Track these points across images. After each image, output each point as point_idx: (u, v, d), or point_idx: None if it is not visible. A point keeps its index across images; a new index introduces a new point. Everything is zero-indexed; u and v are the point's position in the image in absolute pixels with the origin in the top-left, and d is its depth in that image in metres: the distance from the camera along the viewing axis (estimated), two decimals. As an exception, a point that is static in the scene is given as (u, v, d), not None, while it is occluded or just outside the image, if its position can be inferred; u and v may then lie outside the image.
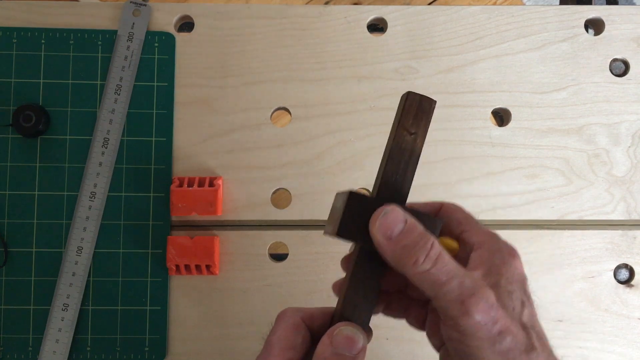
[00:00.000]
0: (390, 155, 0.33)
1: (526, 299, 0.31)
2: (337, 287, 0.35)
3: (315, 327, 0.33)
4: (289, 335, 0.32)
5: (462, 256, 0.33)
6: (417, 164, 0.34)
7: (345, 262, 0.36)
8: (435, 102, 0.34)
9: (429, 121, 0.34)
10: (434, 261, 0.30)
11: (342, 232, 0.32)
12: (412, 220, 0.31)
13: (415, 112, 0.34)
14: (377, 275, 0.33)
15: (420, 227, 0.31)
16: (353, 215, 0.32)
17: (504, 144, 0.55)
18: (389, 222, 0.31)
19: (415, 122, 0.34)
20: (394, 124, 0.34)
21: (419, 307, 0.36)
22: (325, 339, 0.31)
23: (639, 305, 0.54)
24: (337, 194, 0.34)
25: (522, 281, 0.32)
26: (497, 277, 0.31)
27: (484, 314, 0.29)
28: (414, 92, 0.34)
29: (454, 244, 0.33)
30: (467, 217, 0.34)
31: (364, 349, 0.31)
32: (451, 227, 0.34)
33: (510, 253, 0.32)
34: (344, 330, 0.31)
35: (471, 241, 0.33)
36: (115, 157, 0.53)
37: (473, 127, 0.55)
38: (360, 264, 0.33)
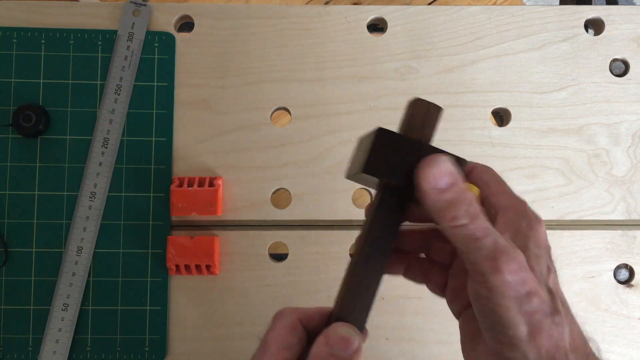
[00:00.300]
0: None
1: (551, 265, 0.32)
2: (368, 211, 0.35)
3: (312, 327, 0.33)
4: (286, 335, 0.32)
5: (489, 218, 0.33)
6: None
7: (369, 209, 0.36)
8: (442, 109, 0.34)
9: (436, 129, 0.34)
10: (472, 217, 0.30)
11: (368, 168, 0.31)
12: (458, 173, 0.31)
13: (422, 119, 0.33)
14: (381, 268, 0.33)
15: (462, 182, 0.31)
16: (381, 151, 0.31)
17: (504, 144, 0.55)
18: (438, 173, 0.31)
19: (422, 130, 0.33)
20: (399, 130, 0.34)
21: (440, 272, 0.36)
22: (321, 339, 0.31)
23: (639, 305, 0.54)
24: (360, 137, 0.34)
25: (548, 248, 0.32)
26: (525, 240, 0.31)
27: (514, 274, 0.29)
28: (421, 99, 0.33)
29: (475, 188, 0.33)
30: (496, 180, 0.34)
31: (359, 350, 0.31)
32: (479, 188, 0.34)
33: (537, 219, 0.32)
34: (340, 330, 0.31)
35: (499, 204, 0.33)
36: (115, 157, 0.53)
37: (473, 127, 0.55)
38: (371, 237, 0.33)
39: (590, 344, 0.31)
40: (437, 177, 0.31)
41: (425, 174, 0.31)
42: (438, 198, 0.30)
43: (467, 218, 0.30)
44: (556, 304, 0.30)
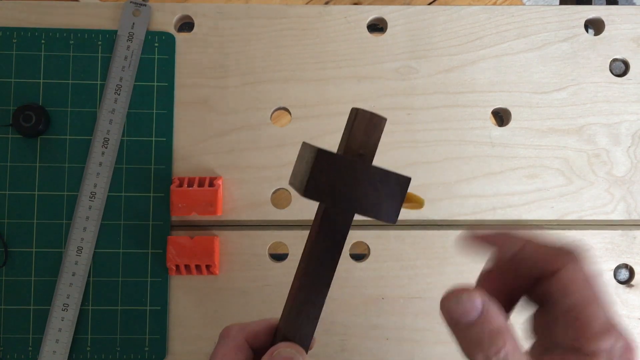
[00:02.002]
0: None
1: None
2: None
3: (259, 344, 0.34)
4: (231, 356, 0.32)
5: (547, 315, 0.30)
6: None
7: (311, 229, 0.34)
8: (385, 120, 0.32)
9: (378, 140, 0.32)
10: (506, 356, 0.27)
11: (308, 193, 0.30)
12: (489, 308, 0.28)
13: (364, 131, 0.32)
14: (324, 288, 0.33)
15: (497, 320, 0.28)
16: (321, 174, 0.30)
17: (504, 144, 0.55)
18: (462, 309, 0.28)
19: (365, 143, 0.32)
20: (340, 142, 0.33)
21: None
22: (264, 358, 0.32)
23: (639, 305, 0.54)
24: (304, 144, 0.33)
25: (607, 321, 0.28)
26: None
27: None
28: (363, 110, 0.32)
29: (420, 199, 0.32)
30: (548, 257, 0.30)
31: None
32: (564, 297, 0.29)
33: (591, 294, 0.28)
34: (283, 352, 0.31)
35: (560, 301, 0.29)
36: (115, 157, 0.53)
37: (473, 127, 0.55)
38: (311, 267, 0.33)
39: None
40: (462, 313, 0.28)
41: (447, 308, 0.28)
42: (463, 334, 0.28)
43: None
44: None
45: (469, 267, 0.54)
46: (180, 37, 0.55)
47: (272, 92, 0.55)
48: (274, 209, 0.54)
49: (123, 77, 0.54)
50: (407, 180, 0.32)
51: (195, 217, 0.53)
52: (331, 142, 0.54)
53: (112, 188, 0.53)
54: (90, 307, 0.52)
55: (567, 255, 0.29)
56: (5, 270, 0.52)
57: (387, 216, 0.31)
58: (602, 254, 0.54)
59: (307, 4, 1.17)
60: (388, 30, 0.56)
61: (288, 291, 0.53)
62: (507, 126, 0.56)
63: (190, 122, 0.54)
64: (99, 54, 0.54)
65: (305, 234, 0.54)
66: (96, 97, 0.54)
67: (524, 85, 0.56)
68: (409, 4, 0.57)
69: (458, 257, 0.54)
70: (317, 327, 0.33)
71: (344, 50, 0.56)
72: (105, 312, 0.52)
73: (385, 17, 0.56)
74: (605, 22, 0.57)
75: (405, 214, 0.54)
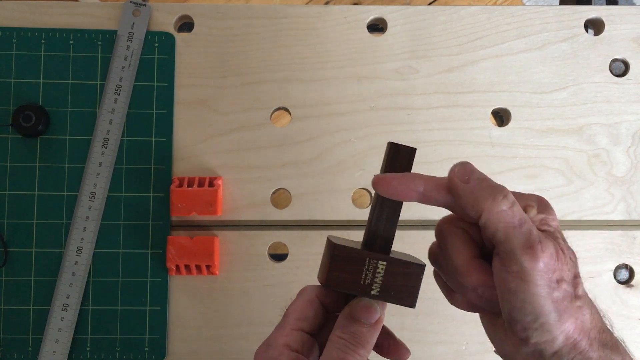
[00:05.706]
0: (379, 205, 0.36)
1: (572, 255, 0.33)
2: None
3: (329, 302, 0.36)
4: (303, 308, 0.36)
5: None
6: (400, 212, 0.36)
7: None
8: (415, 149, 0.36)
9: (411, 169, 0.36)
10: (510, 203, 0.32)
11: (330, 283, 0.34)
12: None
13: (406, 162, 0.36)
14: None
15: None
16: (340, 267, 0.34)
17: (504, 144, 0.55)
18: (466, 169, 0.34)
19: (401, 170, 0.35)
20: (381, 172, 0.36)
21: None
22: (345, 309, 0.35)
23: (639, 305, 0.54)
24: (328, 237, 0.36)
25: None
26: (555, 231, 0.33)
27: (548, 261, 0.31)
28: (398, 144, 0.35)
29: None
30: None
31: (380, 320, 0.34)
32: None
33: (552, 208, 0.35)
34: (362, 300, 0.34)
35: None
36: (115, 157, 0.53)
37: (473, 127, 0.55)
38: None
39: (605, 320, 0.33)
40: (466, 172, 0.34)
41: (455, 172, 0.34)
42: (473, 188, 0.33)
43: (507, 204, 0.32)
44: (579, 289, 0.32)
45: (469, 267, 0.54)
46: (180, 37, 0.55)
47: (272, 92, 0.55)
48: (274, 209, 0.54)
49: (123, 77, 0.54)
50: (421, 268, 0.35)
51: (195, 217, 0.53)
52: (331, 142, 0.54)
53: (112, 188, 0.53)
54: (90, 307, 0.52)
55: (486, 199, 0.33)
56: (5, 270, 0.52)
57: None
58: (602, 254, 0.54)
59: (307, 4, 1.17)
60: (388, 30, 0.56)
61: (289, 291, 0.53)
62: (507, 126, 0.56)
63: (190, 122, 0.54)
64: (99, 54, 0.54)
65: (305, 234, 0.54)
66: (96, 97, 0.54)
67: (524, 85, 0.56)
68: (409, 4, 0.57)
69: (458, 257, 0.54)
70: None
71: (344, 50, 0.56)
72: (105, 312, 0.52)
73: (385, 17, 0.56)
74: (605, 22, 0.57)
75: (406, 213, 0.54)
